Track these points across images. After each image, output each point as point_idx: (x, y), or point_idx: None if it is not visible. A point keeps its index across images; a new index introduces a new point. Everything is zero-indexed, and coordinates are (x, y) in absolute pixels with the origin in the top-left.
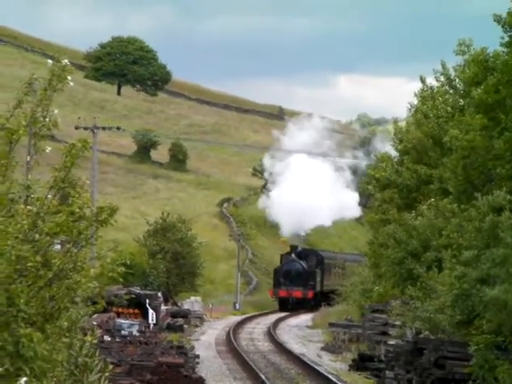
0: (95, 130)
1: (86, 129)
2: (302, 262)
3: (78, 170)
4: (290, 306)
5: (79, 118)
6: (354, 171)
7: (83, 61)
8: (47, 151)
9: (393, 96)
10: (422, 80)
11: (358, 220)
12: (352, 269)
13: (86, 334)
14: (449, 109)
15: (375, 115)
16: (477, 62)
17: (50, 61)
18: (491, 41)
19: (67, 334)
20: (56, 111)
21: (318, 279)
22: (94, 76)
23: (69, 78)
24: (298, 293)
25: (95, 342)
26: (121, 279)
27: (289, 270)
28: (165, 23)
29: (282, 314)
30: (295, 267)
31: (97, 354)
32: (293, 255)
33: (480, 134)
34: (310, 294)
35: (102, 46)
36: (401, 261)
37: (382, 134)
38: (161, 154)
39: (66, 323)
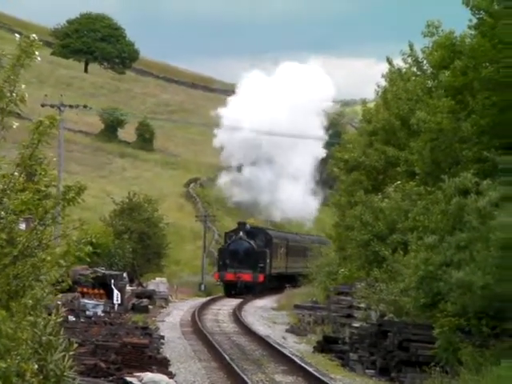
0: (62, 108)
1: (52, 106)
2: (250, 241)
3: (44, 148)
4: (234, 292)
5: (46, 95)
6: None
7: (50, 37)
8: (14, 127)
9: (361, 77)
10: (389, 61)
11: (324, 202)
12: (300, 250)
13: (50, 314)
14: (419, 92)
15: (344, 96)
16: (444, 47)
17: (17, 35)
18: (460, 21)
19: (32, 313)
20: (23, 86)
21: (268, 261)
22: (61, 53)
23: (36, 53)
24: (247, 276)
25: (60, 320)
26: (87, 259)
27: (236, 249)
28: (133, 0)
29: (247, 296)
30: (244, 246)
31: (61, 333)
32: (241, 233)
33: (447, 116)
34: (261, 278)
35: (70, 23)
36: (367, 243)
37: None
38: (128, 132)
39: (30, 301)
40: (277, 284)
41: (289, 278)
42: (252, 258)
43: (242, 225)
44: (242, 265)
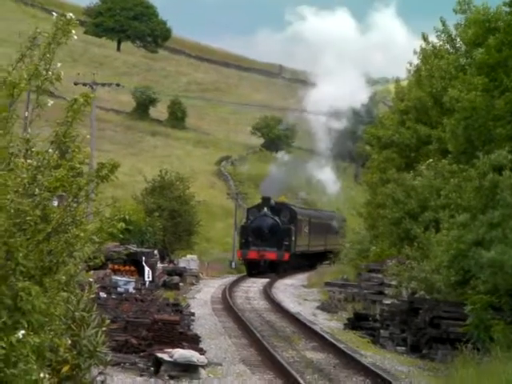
0: (94, 86)
1: (84, 85)
2: (275, 217)
3: (77, 125)
4: (255, 271)
5: (78, 74)
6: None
7: (83, 16)
8: (49, 105)
9: (394, 54)
10: (425, 38)
11: (355, 180)
12: (322, 227)
13: (83, 290)
14: (452, 70)
15: (376, 74)
16: (478, 23)
17: (54, 14)
18: None
19: (65, 288)
20: (59, 65)
21: (293, 238)
22: (94, 32)
23: (73, 31)
24: (271, 254)
25: (92, 297)
26: (120, 235)
27: (260, 226)
28: None
29: (271, 276)
30: (268, 223)
31: (94, 309)
32: (265, 209)
33: (481, 94)
34: (286, 256)
35: (103, 1)
36: (398, 221)
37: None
38: (160, 111)
39: (64, 277)
40: (300, 263)
41: (310, 256)
42: (277, 235)
43: (266, 200)
44: (266, 242)
